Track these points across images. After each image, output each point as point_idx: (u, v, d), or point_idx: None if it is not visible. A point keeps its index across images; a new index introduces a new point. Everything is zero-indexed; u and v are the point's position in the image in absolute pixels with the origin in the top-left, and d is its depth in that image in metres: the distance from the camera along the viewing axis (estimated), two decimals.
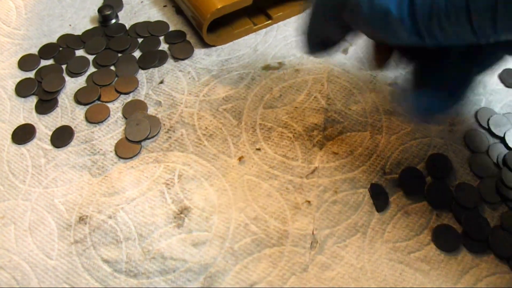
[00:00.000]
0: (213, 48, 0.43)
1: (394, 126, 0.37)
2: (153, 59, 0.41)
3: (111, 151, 0.36)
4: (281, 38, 0.43)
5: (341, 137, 0.37)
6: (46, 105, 0.39)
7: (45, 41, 0.43)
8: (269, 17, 0.44)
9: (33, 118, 0.38)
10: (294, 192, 0.34)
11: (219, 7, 0.39)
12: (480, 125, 0.38)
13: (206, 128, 0.37)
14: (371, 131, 0.37)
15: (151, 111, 0.38)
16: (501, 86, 0.40)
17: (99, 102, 0.39)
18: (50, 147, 0.36)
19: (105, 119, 0.38)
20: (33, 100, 0.39)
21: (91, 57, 0.42)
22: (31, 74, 0.41)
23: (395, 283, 0.30)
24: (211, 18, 0.40)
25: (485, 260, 0.31)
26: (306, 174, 0.34)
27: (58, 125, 0.37)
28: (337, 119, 0.38)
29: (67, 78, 0.40)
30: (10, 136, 0.37)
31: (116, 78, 0.40)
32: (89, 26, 0.45)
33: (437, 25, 0.22)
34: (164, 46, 0.43)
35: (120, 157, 0.35)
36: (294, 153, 0.36)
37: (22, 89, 0.40)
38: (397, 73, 0.41)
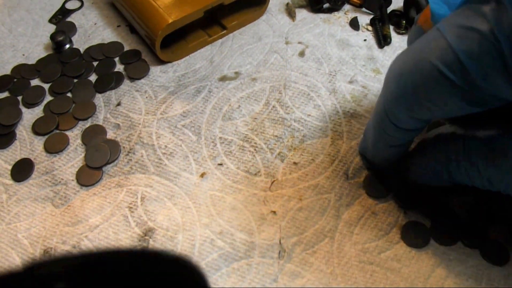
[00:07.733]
0: (169, 64, 0.42)
1: (354, 130, 0.37)
2: (109, 81, 0.41)
3: (72, 180, 0.35)
4: (236, 47, 0.43)
5: (302, 146, 0.36)
6: (3, 139, 0.38)
7: None
8: (223, 27, 0.44)
9: None
10: (259, 204, 0.33)
11: (170, 22, 0.39)
12: None
13: (166, 146, 0.36)
14: (332, 137, 0.37)
15: (110, 134, 0.37)
16: None
17: (57, 131, 0.38)
18: (11, 181, 0.36)
19: (65, 148, 0.37)
20: None
21: (47, 86, 0.41)
22: None
23: (366, 285, 0.30)
24: (163, 34, 0.40)
25: (456, 251, 0.31)
26: (269, 187, 0.34)
27: (18, 158, 0.37)
28: (297, 127, 0.37)
29: (23, 109, 0.40)
30: None
31: (73, 105, 0.39)
32: (43, 53, 0.44)
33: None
34: (119, 67, 0.42)
35: (82, 185, 0.35)
36: (257, 168, 0.35)
37: None
38: (356, 70, 0.41)
